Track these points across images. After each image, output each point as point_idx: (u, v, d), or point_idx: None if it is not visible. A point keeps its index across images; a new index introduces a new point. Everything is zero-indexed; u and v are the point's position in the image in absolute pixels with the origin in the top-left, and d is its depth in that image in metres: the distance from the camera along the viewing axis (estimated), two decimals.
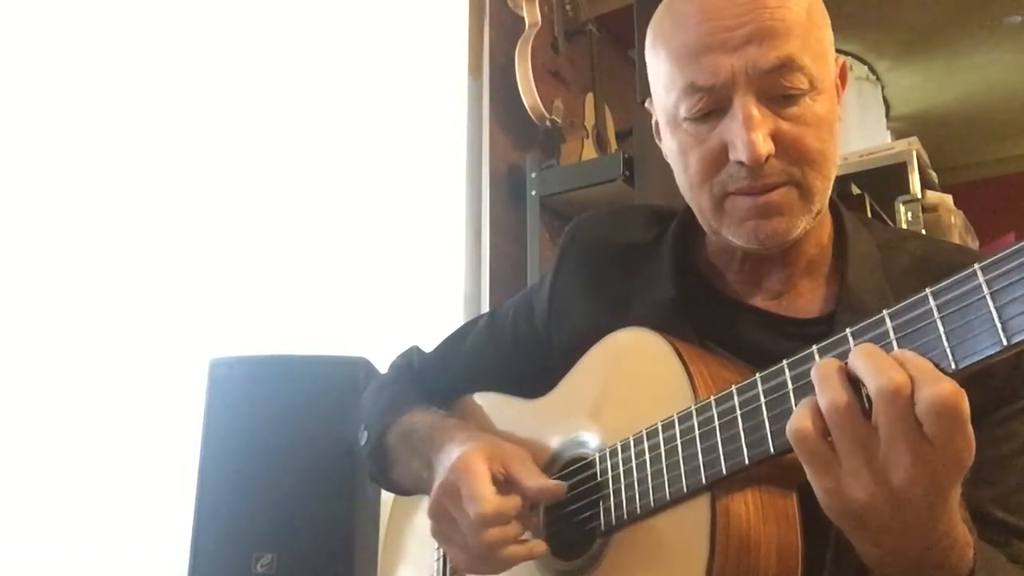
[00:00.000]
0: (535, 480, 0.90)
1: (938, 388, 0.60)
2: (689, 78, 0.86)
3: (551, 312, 1.09)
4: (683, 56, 0.87)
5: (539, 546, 0.90)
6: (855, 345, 0.66)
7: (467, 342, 1.19)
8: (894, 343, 0.64)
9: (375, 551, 1.36)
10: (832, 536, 0.81)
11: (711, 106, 0.86)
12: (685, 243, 1.02)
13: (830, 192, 0.90)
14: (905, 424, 0.62)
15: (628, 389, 0.92)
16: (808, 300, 0.94)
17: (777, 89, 0.84)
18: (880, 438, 0.63)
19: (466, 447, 0.92)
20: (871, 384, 0.62)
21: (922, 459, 0.62)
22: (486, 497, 0.87)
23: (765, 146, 0.82)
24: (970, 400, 0.61)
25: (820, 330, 0.86)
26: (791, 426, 0.67)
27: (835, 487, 0.66)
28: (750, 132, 0.82)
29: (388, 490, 1.23)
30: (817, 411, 0.65)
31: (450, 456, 0.92)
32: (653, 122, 1.00)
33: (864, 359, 0.63)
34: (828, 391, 0.64)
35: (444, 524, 0.92)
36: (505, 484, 0.90)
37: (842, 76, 0.93)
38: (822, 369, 0.66)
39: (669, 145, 0.93)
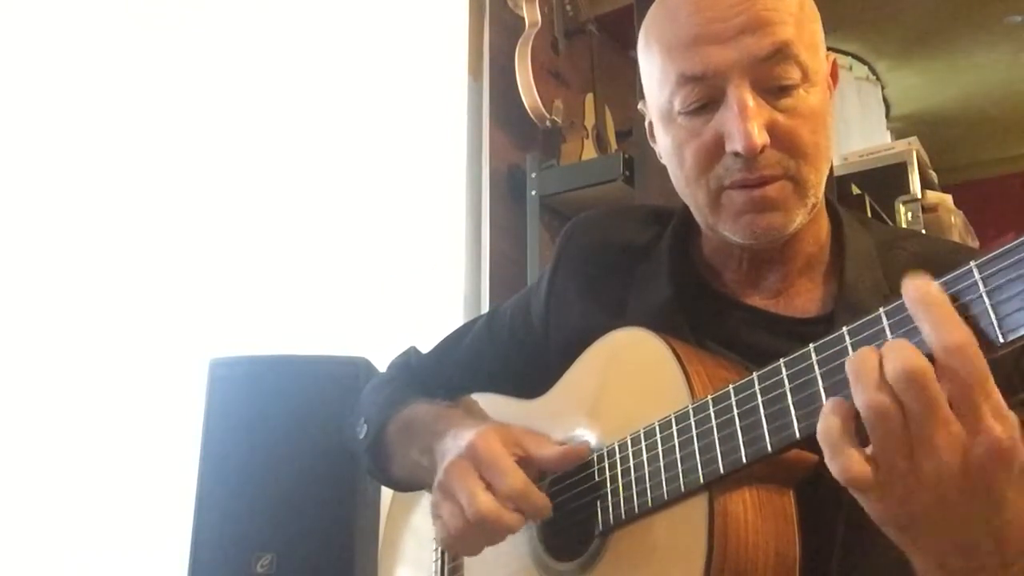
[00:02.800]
0: (553, 449, 0.90)
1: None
2: (682, 68, 0.86)
3: (548, 312, 1.08)
4: (676, 48, 0.87)
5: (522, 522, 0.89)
6: (852, 342, 0.66)
7: (465, 343, 1.19)
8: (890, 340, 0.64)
9: (375, 551, 1.36)
10: (839, 537, 0.81)
11: (705, 98, 0.86)
12: (683, 243, 1.01)
13: (823, 186, 0.90)
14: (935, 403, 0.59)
15: (625, 389, 0.92)
16: (806, 299, 0.94)
17: (772, 80, 0.84)
18: (913, 429, 0.61)
19: (480, 429, 0.92)
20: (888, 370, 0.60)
21: (950, 443, 0.60)
22: (515, 472, 0.87)
23: (761, 136, 0.82)
24: None
25: (819, 329, 0.85)
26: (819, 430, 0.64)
27: (881, 494, 0.63)
28: (746, 122, 0.82)
29: (385, 484, 1.23)
30: (849, 415, 0.63)
31: (464, 437, 0.92)
32: (647, 124, 0.99)
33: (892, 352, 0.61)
34: (864, 392, 0.62)
35: (446, 502, 0.90)
36: (521, 465, 0.89)
37: (833, 74, 0.93)
38: (856, 365, 0.63)
39: (664, 143, 0.93)
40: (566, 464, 0.91)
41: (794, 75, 0.84)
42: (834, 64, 0.93)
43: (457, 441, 0.93)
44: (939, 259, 0.91)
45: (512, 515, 0.86)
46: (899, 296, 0.65)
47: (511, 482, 0.86)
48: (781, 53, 0.84)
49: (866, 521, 0.81)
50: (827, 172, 0.90)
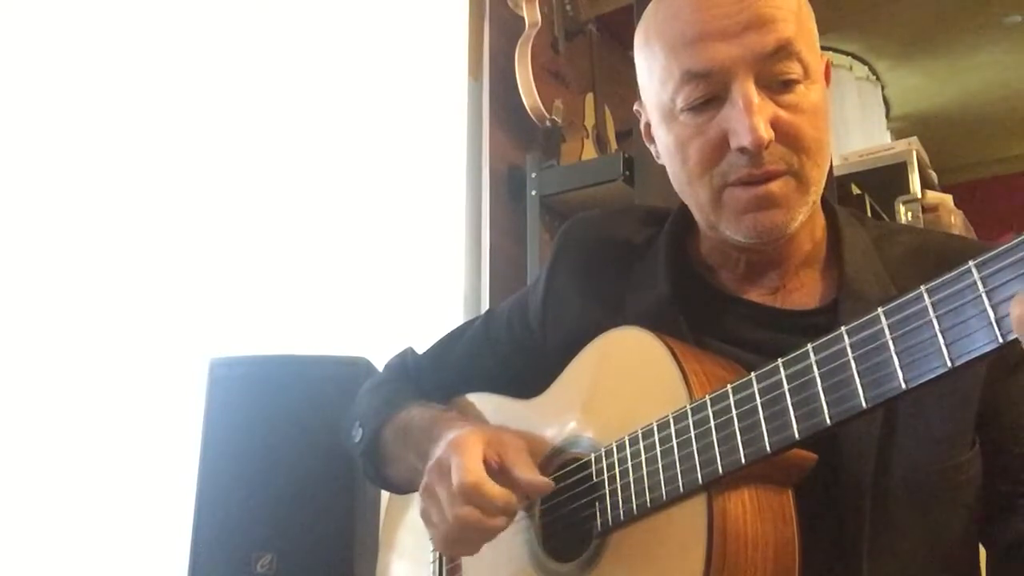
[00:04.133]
0: (525, 472, 0.89)
1: None
2: (686, 65, 0.86)
3: (545, 312, 1.08)
4: (679, 45, 0.87)
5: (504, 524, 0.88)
6: (851, 342, 0.66)
7: (462, 343, 1.19)
8: (889, 341, 0.64)
9: (375, 551, 1.36)
10: (865, 534, 0.81)
11: (709, 94, 0.86)
12: (679, 241, 1.02)
13: (823, 183, 0.90)
14: None
15: (623, 388, 0.92)
16: (804, 293, 0.94)
17: (775, 76, 0.85)
18: None
19: (464, 430, 0.92)
20: None
21: None
22: (469, 467, 0.86)
23: (766, 132, 0.82)
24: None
25: (821, 320, 0.86)
26: (1015, 319, 0.57)
27: None
28: (752, 116, 0.82)
29: (381, 487, 1.23)
30: None
31: (447, 439, 0.92)
32: (643, 124, 0.99)
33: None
34: None
35: (431, 503, 0.91)
36: (499, 473, 0.89)
37: (826, 75, 0.93)
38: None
39: (665, 141, 0.93)
40: (530, 492, 0.89)
41: (796, 71, 0.85)
42: (827, 65, 0.93)
43: (444, 442, 0.93)
44: (934, 250, 0.91)
45: (492, 518, 0.86)
46: (900, 284, 0.65)
47: (462, 476, 0.85)
48: (784, 50, 0.84)
49: (890, 506, 0.81)
50: (827, 168, 0.90)
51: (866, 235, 0.95)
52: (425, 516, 0.93)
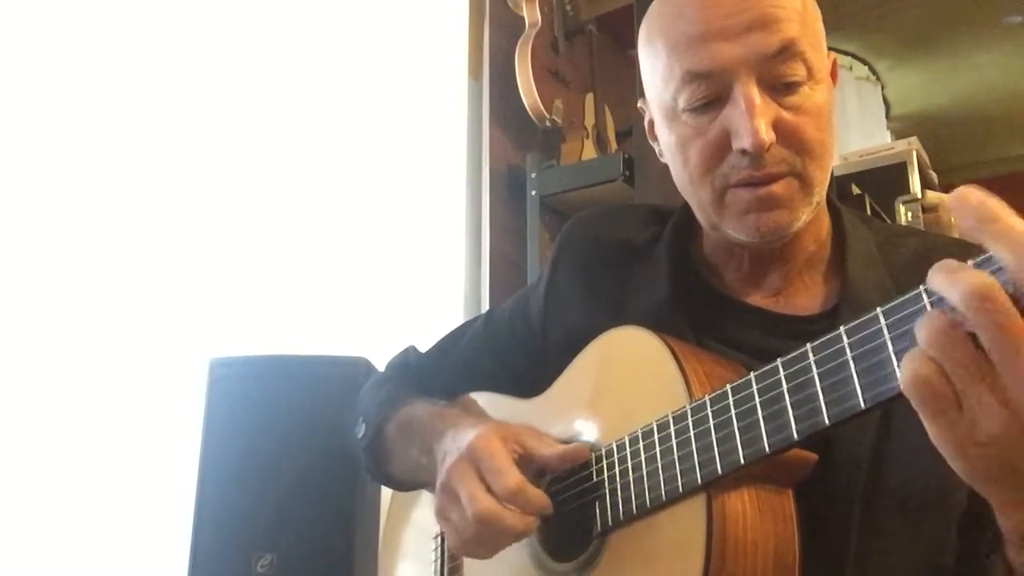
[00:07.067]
0: (554, 448, 0.90)
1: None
2: (687, 65, 0.85)
3: (547, 311, 1.08)
4: (682, 44, 0.86)
5: (531, 525, 0.88)
6: (849, 342, 0.66)
7: (463, 342, 1.19)
8: (888, 341, 0.64)
9: (375, 551, 1.36)
10: (853, 541, 0.81)
11: (711, 95, 0.85)
12: (682, 241, 1.01)
13: (827, 184, 0.90)
14: (1007, 323, 0.53)
15: (623, 388, 0.92)
16: (806, 297, 0.94)
17: (778, 77, 0.84)
18: (992, 355, 0.54)
19: (480, 429, 0.91)
20: (952, 297, 0.55)
21: None
22: (511, 471, 0.86)
23: (768, 134, 0.82)
24: None
25: (822, 327, 0.85)
26: (903, 381, 0.58)
27: (966, 432, 0.57)
28: (753, 119, 0.81)
29: (384, 484, 1.23)
30: (923, 355, 0.57)
31: (465, 437, 0.91)
32: (646, 122, 0.99)
33: (937, 274, 0.57)
34: (924, 326, 0.57)
35: (451, 502, 0.90)
36: (521, 463, 0.89)
37: (833, 73, 0.93)
38: (922, 320, 0.59)
39: (667, 140, 0.92)
40: (565, 464, 0.90)
41: (800, 72, 0.84)
42: (834, 63, 0.93)
43: (457, 442, 0.92)
44: (939, 254, 0.90)
45: (513, 516, 0.85)
46: (903, 292, 0.65)
47: (505, 481, 0.85)
48: (788, 50, 0.83)
49: (880, 515, 0.81)
50: (831, 169, 0.90)
51: (871, 238, 0.95)
52: (442, 514, 0.91)
